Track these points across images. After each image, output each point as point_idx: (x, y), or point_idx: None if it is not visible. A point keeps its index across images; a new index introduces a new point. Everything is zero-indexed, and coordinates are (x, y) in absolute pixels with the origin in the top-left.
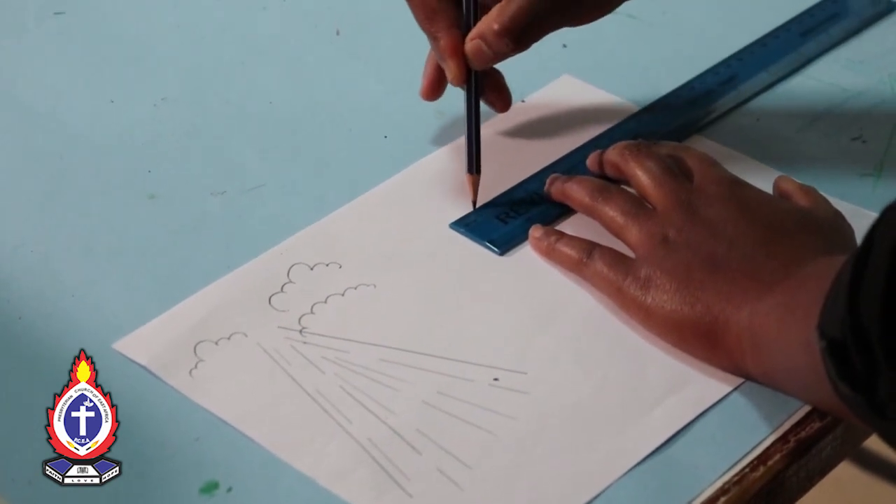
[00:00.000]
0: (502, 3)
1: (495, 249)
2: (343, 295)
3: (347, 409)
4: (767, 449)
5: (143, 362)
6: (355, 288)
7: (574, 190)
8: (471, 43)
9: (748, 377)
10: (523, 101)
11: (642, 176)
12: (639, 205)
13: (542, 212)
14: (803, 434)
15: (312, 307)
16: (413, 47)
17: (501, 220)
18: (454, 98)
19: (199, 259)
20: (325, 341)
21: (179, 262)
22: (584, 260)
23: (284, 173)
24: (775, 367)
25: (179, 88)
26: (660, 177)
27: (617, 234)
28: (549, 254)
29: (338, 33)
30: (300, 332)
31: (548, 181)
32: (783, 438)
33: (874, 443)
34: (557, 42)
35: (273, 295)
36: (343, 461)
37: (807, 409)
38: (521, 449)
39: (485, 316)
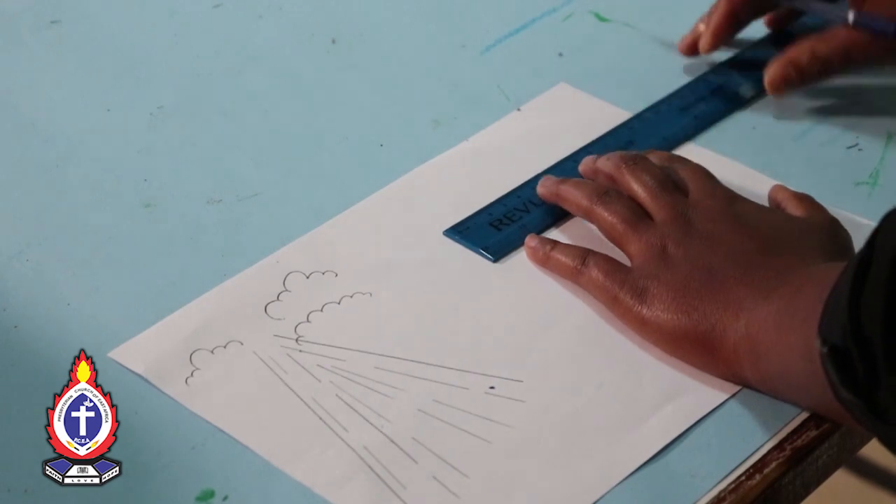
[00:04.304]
0: None
1: (489, 257)
2: (339, 303)
3: (343, 418)
4: (764, 457)
5: (139, 371)
6: (351, 296)
7: (571, 193)
8: None
9: (746, 385)
10: (519, 110)
11: (638, 189)
12: (638, 213)
13: (536, 219)
14: (799, 442)
15: (308, 315)
16: (408, 56)
17: (495, 228)
18: (450, 107)
19: (195, 267)
20: (320, 349)
21: (175, 270)
22: (580, 267)
23: (280, 182)
24: (773, 373)
25: (175, 97)
26: (655, 190)
27: (615, 240)
28: (545, 262)
29: (333, 42)
30: (296, 340)
31: (540, 182)
32: (779, 447)
33: (870, 451)
34: (553, 50)
35: (269, 303)
36: (339, 469)
37: (803, 417)
38: (517, 457)
39: (480, 323)
